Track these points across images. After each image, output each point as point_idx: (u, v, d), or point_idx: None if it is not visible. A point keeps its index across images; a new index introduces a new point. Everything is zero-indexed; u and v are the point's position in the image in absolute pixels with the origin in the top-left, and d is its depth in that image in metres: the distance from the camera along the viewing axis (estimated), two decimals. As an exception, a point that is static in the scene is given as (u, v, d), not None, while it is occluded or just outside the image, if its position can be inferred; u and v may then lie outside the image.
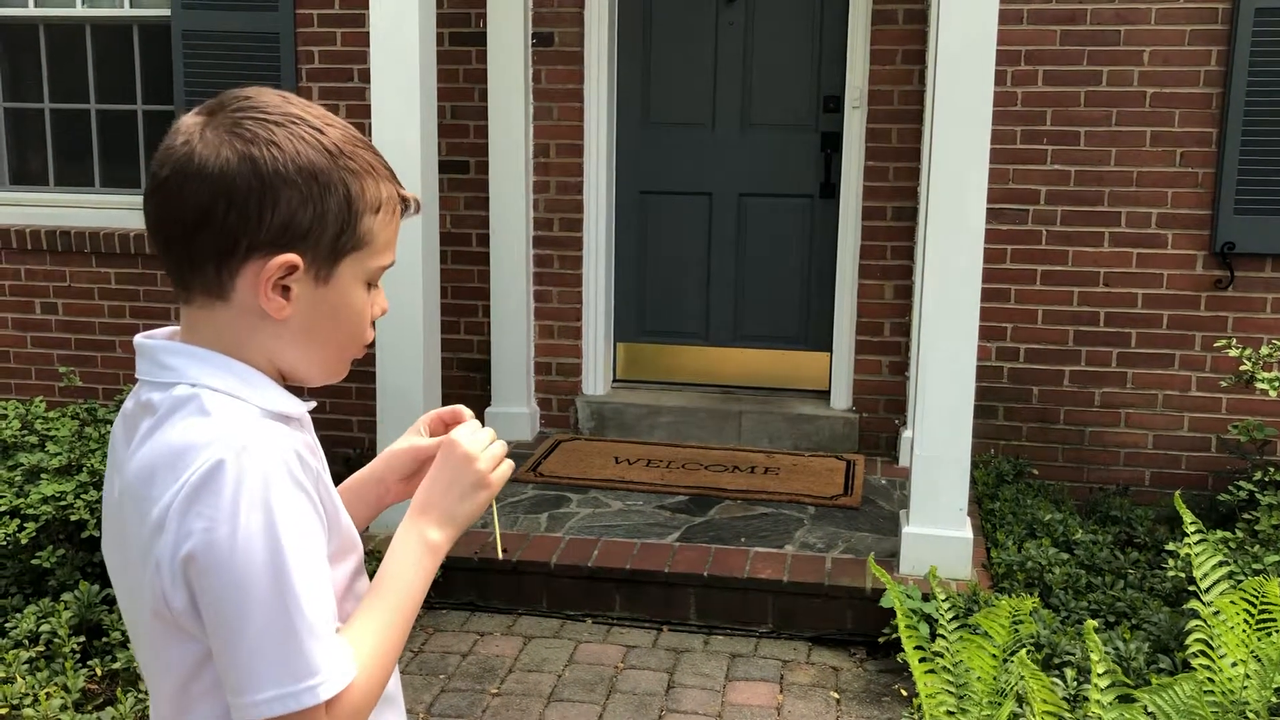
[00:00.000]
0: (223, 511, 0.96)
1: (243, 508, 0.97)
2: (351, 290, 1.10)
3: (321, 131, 1.05)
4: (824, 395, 4.99)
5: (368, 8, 3.78)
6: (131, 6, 5.11)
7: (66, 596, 3.34)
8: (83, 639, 3.24)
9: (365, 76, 4.69)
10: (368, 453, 4.89)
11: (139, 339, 1.10)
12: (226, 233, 1.02)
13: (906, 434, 4.50)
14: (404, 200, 1.13)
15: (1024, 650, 2.35)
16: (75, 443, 3.77)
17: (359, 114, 4.79)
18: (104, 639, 3.26)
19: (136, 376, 1.10)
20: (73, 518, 3.43)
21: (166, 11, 4.97)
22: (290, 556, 0.98)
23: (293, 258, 1.03)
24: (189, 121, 1.05)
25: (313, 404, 1.15)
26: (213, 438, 0.99)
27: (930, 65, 3.90)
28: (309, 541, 1.00)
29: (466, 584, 3.80)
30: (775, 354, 5.10)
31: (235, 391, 1.04)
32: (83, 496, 3.47)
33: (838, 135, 4.79)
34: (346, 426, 5.08)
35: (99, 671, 3.17)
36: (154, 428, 1.03)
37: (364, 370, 4.45)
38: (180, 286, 1.07)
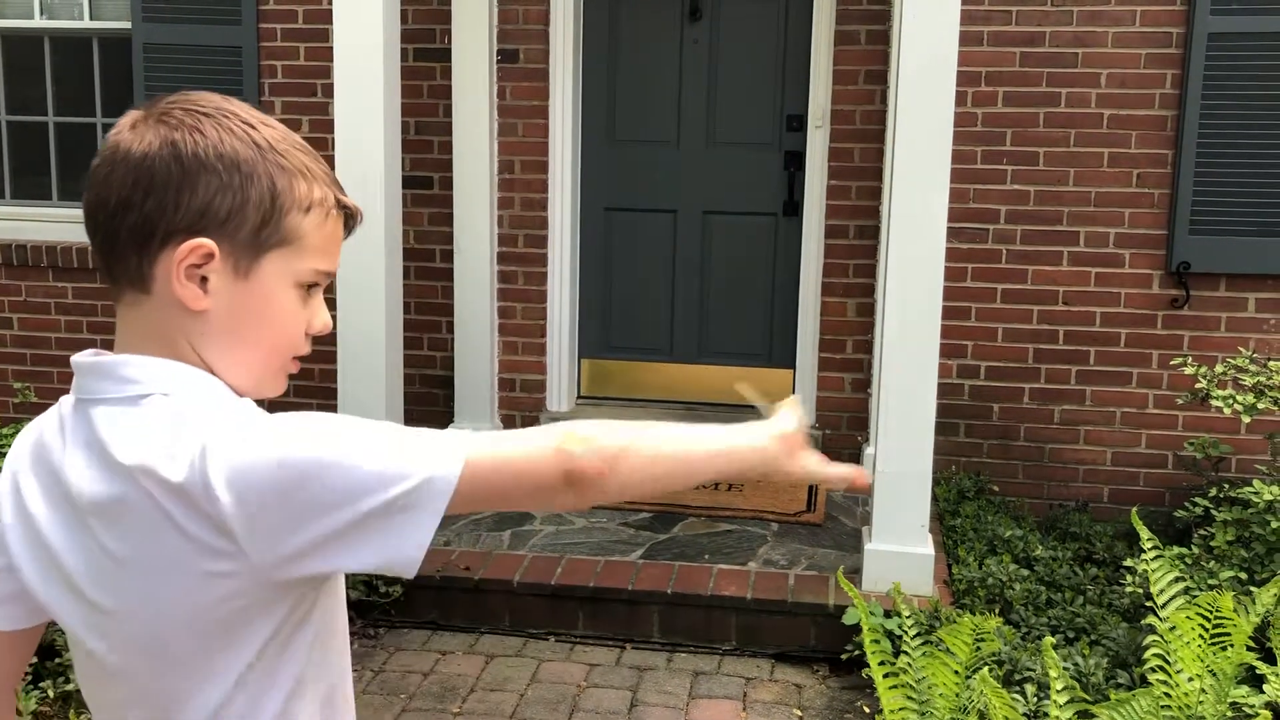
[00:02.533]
0: (248, 436, 0.96)
1: (260, 426, 0.97)
2: (277, 289, 1.06)
3: (253, 127, 1.04)
4: (787, 412, 5.00)
5: (332, 22, 3.76)
6: (91, 19, 5.06)
7: (19, 617, 3.27)
8: (35, 660, 3.18)
9: (329, 91, 4.66)
10: (329, 470, 4.84)
11: (80, 358, 1.05)
12: (145, 217, 1.01)
13: (869, 451, 4.51)
14: (346, 209, 1.10)
15: (986, 668, 2.36)
16: (29, 460, 3.71)
17: (323, 129, 4.76)
18: (56, 660, 3.20)
19: (85, 397, 1.04)
20: (26, 536, 3.36)
21: (127, 24, 4.92)
22: (319, 423, 0.98)
23: (206, 243, 1.01)
24: (126, 117, 1.05)
25: None
26: (209, 417, 0.98)
27: (892, 86, 3.95)
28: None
29: (428, 603, 3.77)
30: (739, 370, 5.11)
31: (205, 387, 1.04)
32: (36, 514, 3.41)
33: (801, 154, 4.83)
34: (308, 443, 5.03)
35: (51, 694, 3.11)
36: (138, 430, 0.99)
37: (325, 387, 4.40)
38: (111, 281, 1.05)
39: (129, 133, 1.03)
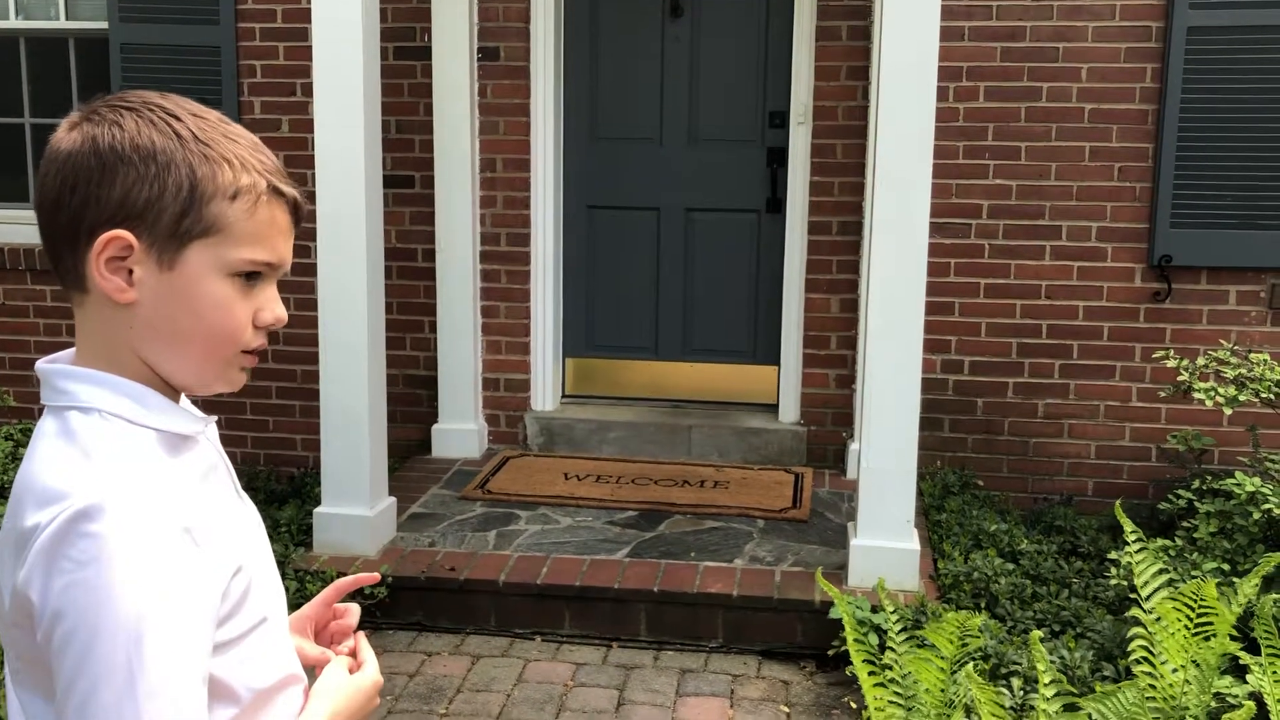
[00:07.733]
0: (88, 569, 0.93)
1: (111, 567, 0.93)
2: (206, 280, 1.04)
3: (178, 119, 1.03)
4: (772, 409, 5.01)
5: (310, 21, 3.74)
6: (68, 19, 5.02)
7: None
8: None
9: (308, 90, 4.64)
10: (312, 471, 4.82)
11: (39, 364, 1.08)
12: (73, 215, 1.02)
13: (854, 446, 4.52)
14: (283, 196, 1.07)
15: (972, 664, 2.36)
16: (9, 464, 3.68)
17: (302, 128, 4.74)
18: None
19: (44, 399, 1.08)
20: (6, 542, 3.34)
21: (104, 24, 4.88)
22: (150, 636, 0.93)
23: (122, 233, 1.01)
24: (65, 119, 1.06)
25: (213, 419, 1.12)
26: (95, 476, 0.97)
27: (874, 82, 3.95)
28: (177, 614, 0.95)
29: (413, 603, 3.76)
30: (724, 368, 5.11)
31: (129, 414, 1.02)
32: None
33: (783, 151, 4.82)
34: (290, 445, 5.00)
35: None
36: (45, 450, 1.01)
37: (308, 388, 4.37)
38: (61, 284, 1.07)
39: (63, 134, 1.04)
